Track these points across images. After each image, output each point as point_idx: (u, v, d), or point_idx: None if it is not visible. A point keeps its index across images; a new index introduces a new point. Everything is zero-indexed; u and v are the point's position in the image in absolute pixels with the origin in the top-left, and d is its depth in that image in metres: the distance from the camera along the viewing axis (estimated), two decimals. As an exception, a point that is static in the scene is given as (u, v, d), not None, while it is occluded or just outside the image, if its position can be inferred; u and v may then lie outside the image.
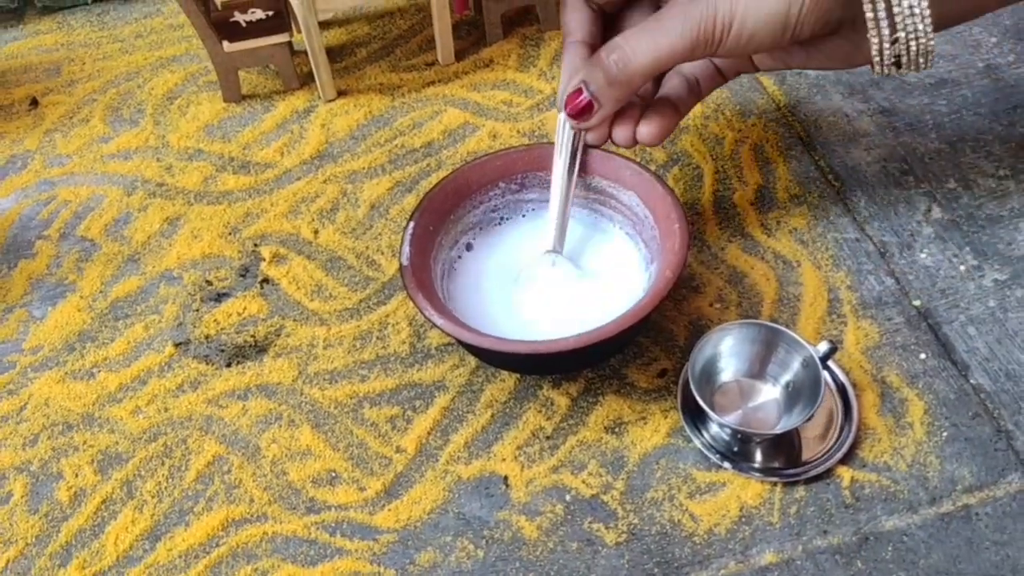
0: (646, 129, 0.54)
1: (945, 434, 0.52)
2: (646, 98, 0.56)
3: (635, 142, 0.55)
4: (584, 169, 0.59)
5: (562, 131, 0.56)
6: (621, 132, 0.55)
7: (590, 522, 0.51)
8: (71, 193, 0.70)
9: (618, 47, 0.50)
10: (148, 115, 0.75)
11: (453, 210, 0.58)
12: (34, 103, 0.77)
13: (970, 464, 0.51)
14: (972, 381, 0.54)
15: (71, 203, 0.69)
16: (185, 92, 0.77)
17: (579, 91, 0.52)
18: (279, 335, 0.60)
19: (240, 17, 0.71)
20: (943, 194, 0.63)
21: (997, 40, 0.73)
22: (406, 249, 0.55)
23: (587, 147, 0.57)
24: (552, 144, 0.60)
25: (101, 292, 0.64)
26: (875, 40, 0.48)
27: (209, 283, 0.64)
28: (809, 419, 0.51)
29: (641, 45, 0.50)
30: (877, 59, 0.49)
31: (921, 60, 0.49)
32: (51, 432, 0.57)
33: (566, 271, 0.57)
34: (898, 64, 0.50)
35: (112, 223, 0.68)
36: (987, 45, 0.73)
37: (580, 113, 0.53)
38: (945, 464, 0.51)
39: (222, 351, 0.60)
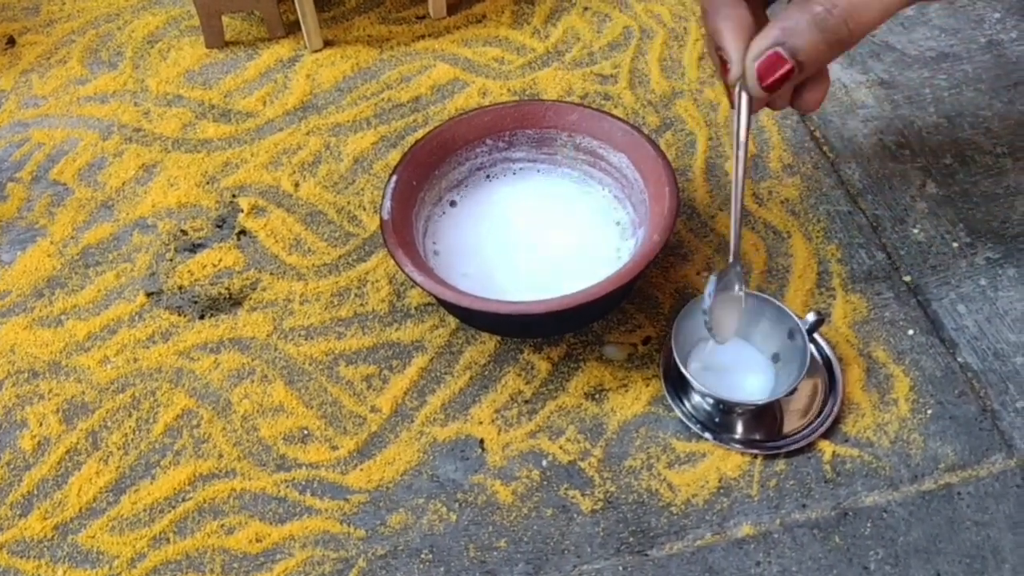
0: (812, 95, 0.47)
1: (930, 412, 0.52)
2: None
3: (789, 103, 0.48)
4: (574, 128, 0.57)
5: (744, 107, 0.46)
6: (781, 99, 0.47)
7: (566, 489, 0.50)
8: (45, 135, 0.68)
9: None
10: (127, 58, 0.73)
11: (438, 165, 0.57)
12: (10, 42, 0.75)
13: (954, 443, 0.50)
14: (959, 359, 0.53)
15: (45, 145, 0.67)
16: (166, 36, 0.74)
17: (777, 55, 0.43)
18: (255, 288, 0.59)
19: (225, -41, 0.68)
20: (939, 169, 0.62)
21: (1000, 16, 0.71)
22: (387, 203, 0.53)
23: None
24: (542, 102, 0.59)
25: (72, 238, 0.62)
26: None
27: (184, 233, 0.62)
28: (793, 391, 0.50)
29: None
30: None
31: None
32: (16, 379, 0.55)
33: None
34: None
35: (86, 167, 0.66)
36: (990, 20, 0.71)
37: (780, 82, 0.43)
38: (929, 442, 0.50)
39: (195, 303, 0.58)
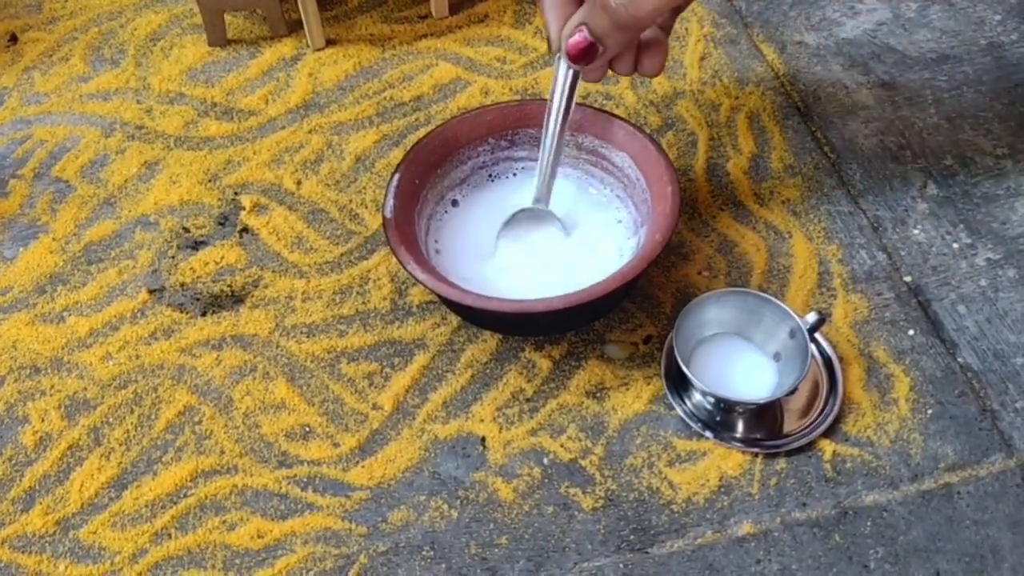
0: (650, 62, 0.52)
1: (930, 411, 0.52)
2: None
3: (634, 71, 0.53)
4: (577, 128, 0.58)
5: (560, 73, 0.52)
6: (623, 65, 0.52)
7: (567, 486, 0.50)
8: (47, 132, 0.68)
9: None
10: (130, 56, 0.73)
11: (440, 164, 0.57)
12: (13, 39, 0.75)
13: (954, 443, 0.51)
14: (960, 359, 0.54)
15: (47, 143, 0.67)
16: (169, 34, 0.74)
17: (580, 33, 0.50)
18: (257, 286, 0.59)
19: (228, -43, 0.68)
20: (939, 170, 0.62)
21: (1001, 18, 0.71)
22: (390, 201, 0.53)
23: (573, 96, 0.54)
24: (544, 101, 0.59)
25: (75, 235, 0.62)
26: None
27: (186, 230, 0.62)
28: (794, 391, 0.50)
29: None
30: None
31: None
32: (18, 375, 0.55)
33: (551, 230, 0.56)
34: None
35: (88, 165, 0.66)
36: (991, 23, 0.71)
37: (582, 56, 0.50)
38: (929, 442, 0.51)
39: (197, 300, 0.58)
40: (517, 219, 0.56)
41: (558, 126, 0.54)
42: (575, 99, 0.53)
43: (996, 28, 0.71)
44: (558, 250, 0.55)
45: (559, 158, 0.55)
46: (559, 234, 0.56)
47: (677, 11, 0.54)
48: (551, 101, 0.53)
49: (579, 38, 0.50)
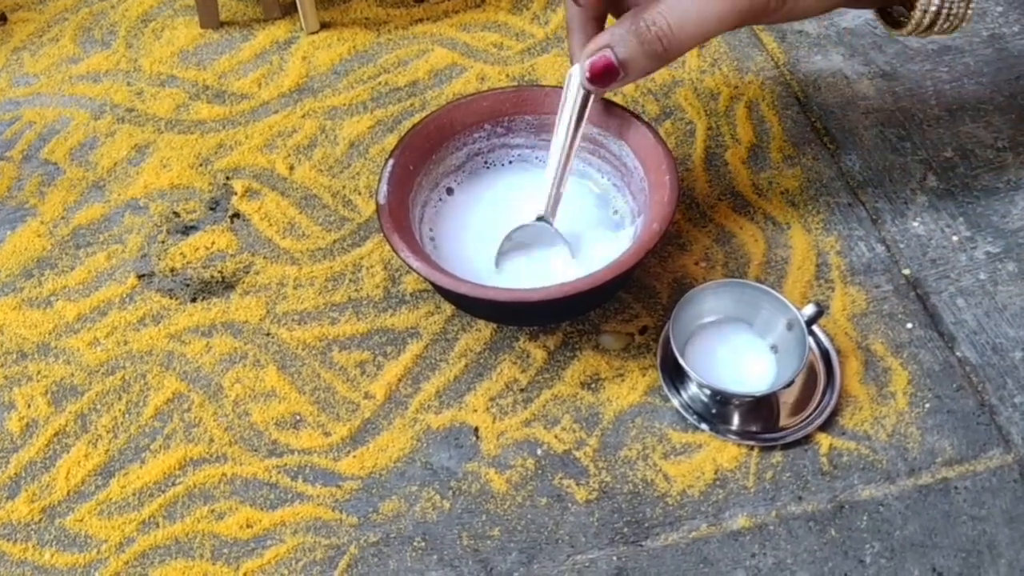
0: None
1: (928, 405, 0.51)
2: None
3: None
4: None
5: (572, 89, 0.51)
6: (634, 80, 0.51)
7: (561, 478, 0.50)
8: (36, 114, 0.67)
9: (660, 17, 0.46)
10: (120, 37, 0.72)
11: (435, 150, 0.56)
12: (2, 19, 0.74)
13: (951, 437, 0.50)
14: (958, 353, 0.53)
15: (36, 124, 0.66)
16: (160, 15, 0.73)
17: (604, 57, 0.48)
18: (248, 272, 0.58)
19: (221, -62, 0.67)
20: (939, 163, 0.62)
21: (1003, 9, 0.71)
22: (383, 187, 0.52)
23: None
24: (542, 87, 0.58)
25: (63, 218, 0.61)
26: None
27: (177, 215, 0.61)
28: (791, 383, 0.50)
29: (687, 16, 0.46)
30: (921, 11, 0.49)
31: (956, 22, 0.49)
32: (4, 360, 0.55)
33: (557, 248, 0.53)
34: (933, 21, 0.49)
35: (78, 147, 0.65)
36: (993, 14, 0.71)
37: (601, 78, 0.48)
38: (926, 436, 0.50)
39: (187, 285, 0.57)
40: (519, 233, 0.54)
41: (567, 141, 0.52)
42: (587, 115, 0.51)
43: (998, 19, 0.70)
44: (563, 268, 0.54)
45: (568, 174, 0.53)
46: (565, 253, 0.54)
47: None
48: (560, 115, 0.52)
49: (602, 60, 0.48)
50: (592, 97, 0.51)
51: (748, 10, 0.46)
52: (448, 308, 0.56)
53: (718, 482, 0.49)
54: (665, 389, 0.52)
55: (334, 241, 0.59)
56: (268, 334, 0.55)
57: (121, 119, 0.66)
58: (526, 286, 0.50)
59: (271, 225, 0.60)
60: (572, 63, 0.51)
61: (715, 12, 0.46)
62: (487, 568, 0.47)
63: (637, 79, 0.49)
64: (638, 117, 0.55)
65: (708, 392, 0.51)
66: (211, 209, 0.61)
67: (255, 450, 0.51)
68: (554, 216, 0.53)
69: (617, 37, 0.47)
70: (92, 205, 0.61)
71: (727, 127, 0.64)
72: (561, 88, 0.58)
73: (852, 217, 0.59)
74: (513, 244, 0.54)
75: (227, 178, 0.63)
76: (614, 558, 0.47)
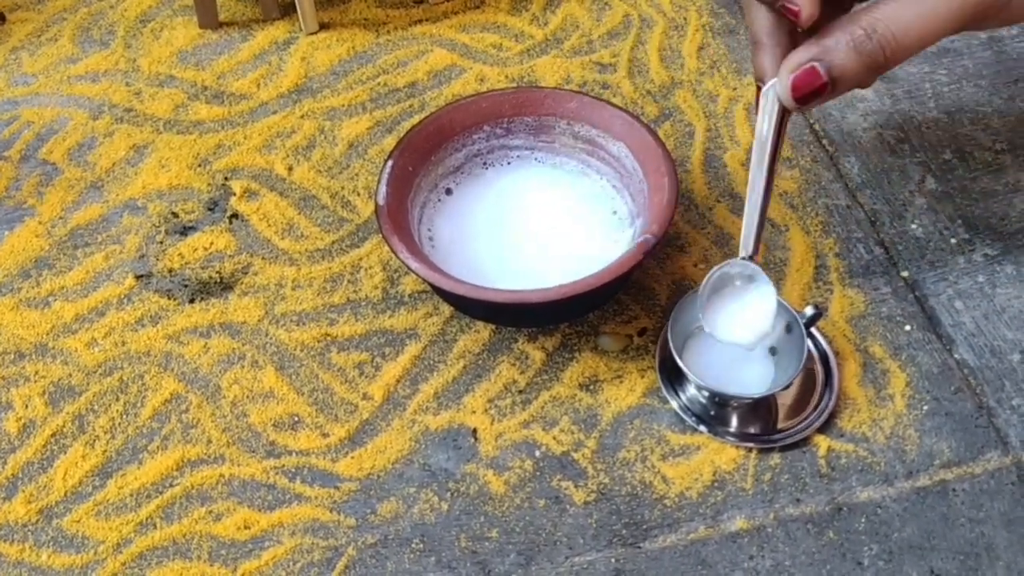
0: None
1: (926, 408, 0.51)
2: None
3: None
4: (574, 116, 0.57)
5: (768, 109, 0.46)
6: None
7: (559, 480, 0.50)
8: (35, 114, 0.67)
9: (882, 24, 0.42)
10: (119, 37, 0.72)
11: (434, 151, 0.56)
12: (1, 19, 0.74)
13: (949, 439, 0.50)
14: (956, 356, 0.53)
15: (34, 124, 0.66)
16: (159, 15, 0.73)
17: (813, 70, 0.43)
18: (246, 273, 0.58)
19: (220, -62, 0.67)
20: (938, 165, 0.62)
21: (1002, 12, 0.71)
22: (383, 188, 0.52)
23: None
24: (541, 88, 0.58)
25: (61, 218, 0.61)
26: None
27: (175, 215, 0.61)
28: (789, 385, 0.50)
29: (908, 22, 0.42)
30: None
31: None
32: (1, 361, 0.55)
33: (762, 288, 0.49)
34: None
35: (76, 147, 0.65)
36: (991, 16, 0.71)
37: (809, 97, 0.44)
38: (924, 438, 0.50)
39: (185, 286, 0.57)
40: (723, 276, 0.49)
41: (765, 168, 0.47)
42: (784, 138, 0.47)
43: (996, 22, 0.70)
44: (552, 240, 0.54)
45: (768, 205, 0.48)
46: (769, 291, 0.49)
47: None
48: (757, 141, 0.47)
49: (811, 76, 0.43)
50: (789, 116, 0.46)
51: (972, 12, 0.42)
52: (447, 309, 0.56)
53: (716, 484, 0.49)
54: (664, 391, 0.52)
55: (333, 242, 0.59)
56: (266, 335, 0.55)
57: (119, 119, 0.66)
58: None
59: (270, 226, 0.60)
60: (762, 81, 0.46)
61: (940, 15, 0.42)
62: (485, 570, 0.47)
63: (842, 94, 0.45)
64: (637, 119, 0.55)
65: (706, 394, 0.51)
66: (210, 210, 0.61)
67: (253, 451, 0.51)
68: (757, 253, 0.49)
69: (829, 48, 0.43)
70: (90, 205, 0.61)
71: (726, 129, 0.64)
72: (560, 89, 0.58)
73: (850, 219, 0.59)
74: (717, 292, 0.50)
75: (226, 179, 0.62)
76: (612, 560, 0.47)
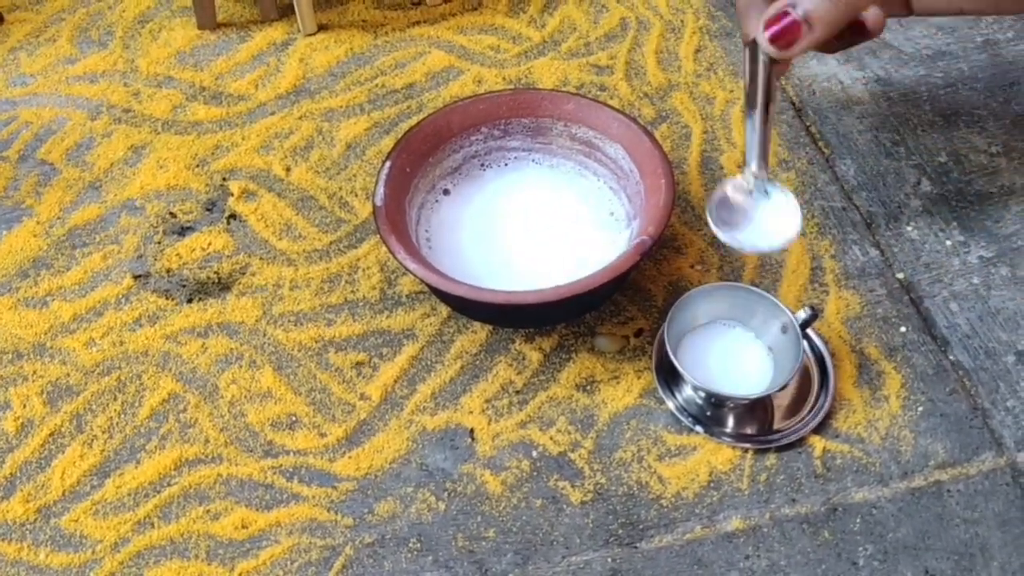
0: (873, 20, 0.47)
1: (921, 409, 0.51)
2: None
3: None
4: (571, 118, 0.57)
5: (759, 66, 0.47)
6: (833, 45, 0.48)
7: (556, 480, 0.50)
8: (33, 114, 0.67)
9: None
10: (117, 38, 0.72)
11: (432, 152, 0.56)
12: (-2, 19, 0.74)
13: (944, 440, 0.50)
14: (951, 357, 0.53)
15: (32, 124, 0.66)
16: (158, 16, 0.73)
17: (784, 12, 0.45)
18: (244, 273, 0.58)
19: (219, -61, 0.67)
20: (934, 168, 0.62)
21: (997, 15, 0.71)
22: (380, 190, 0.53)
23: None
24: (538, 90, 0.58)
25: (59, 218, 0.61)
26: None
27: (173, 215, 0.61)
28: (785, 386, 0.50)
29: None
30: None
31: None
32: (0, 360, 0.55)
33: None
34: None
35: (74, 147, 0.65)
36: (986, 20, 0.71)
37: (784, 37, 0.45)
38: (919, 439, 0.50)
39: (183, 286, 0.58)
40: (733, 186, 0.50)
41: (760, 114, 0.48)
42: (775, 87, 0.48)
43: (992, 26, 0.70)
44: (550, 241, 0.55)
45: (770, 132, 0.49)
46: (788, 196, 0.49)
47: None
48: (747, 91, 0.48)
49: (781, 17, 0.45)
50: (776, 67, 0.47)
51: None
52: (444, 310, 0.56)
53: (712, 484, 0.49)
54: (660, 391, 0.52)
55: (330, 243, 0.59)
56: (264, 335, 0.55)
57: (118, 120, 0.66)
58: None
59: (267, 226, 0.60)
60: (748, 32, 0.47)
61: None
62: (482, 569, 0.47)
63: (825, 35, 0.45)
64: (634, 121, 0.55)
65: (703, 395, 0.51)
66: (207, 210, 0.61)
67: (251, 451, 0.51)
68: (766, 169, 0.49)
69: None
70: (88, 205, 0.61)
71: (723, 131, 0.64)
72: (558, 91, 0.59)
73: (846, 221, 0.59)
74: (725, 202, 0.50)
75: (224, 179, 0.63)
76: (608, 559, 0.47)
